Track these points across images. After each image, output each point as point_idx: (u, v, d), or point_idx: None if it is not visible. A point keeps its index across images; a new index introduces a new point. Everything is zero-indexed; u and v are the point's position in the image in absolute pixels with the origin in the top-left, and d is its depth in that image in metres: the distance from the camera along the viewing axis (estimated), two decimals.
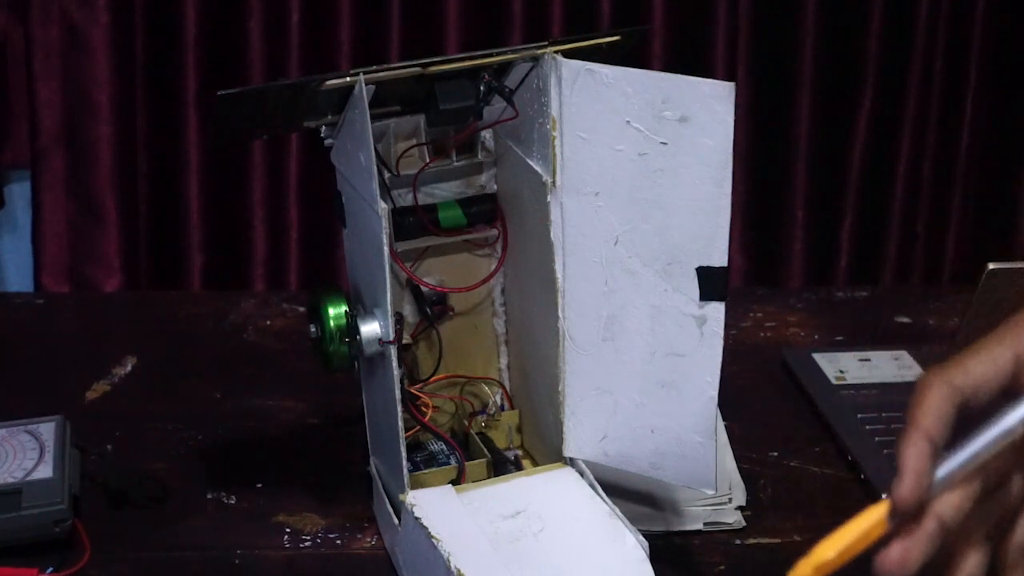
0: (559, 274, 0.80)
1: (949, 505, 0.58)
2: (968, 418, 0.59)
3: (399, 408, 0.78)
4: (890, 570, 0.57)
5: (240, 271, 1.77)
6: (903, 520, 0.57)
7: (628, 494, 0.87)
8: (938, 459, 0.58)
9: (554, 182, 0.78)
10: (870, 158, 1.80)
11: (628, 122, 0.73)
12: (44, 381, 1.08)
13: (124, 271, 1.74)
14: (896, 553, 0.57)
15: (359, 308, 0.81)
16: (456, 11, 1.68)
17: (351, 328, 0.80)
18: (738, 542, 0.88)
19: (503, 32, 1.69)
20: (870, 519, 0.57)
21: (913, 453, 0.57)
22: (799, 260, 1.83)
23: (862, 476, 0.95)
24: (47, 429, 0.92)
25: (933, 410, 0.58)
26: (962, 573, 0.60)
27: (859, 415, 1.02)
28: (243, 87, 0.74)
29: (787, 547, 0.88)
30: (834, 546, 0.57)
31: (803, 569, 0.57)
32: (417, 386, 0.87)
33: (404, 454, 0.79)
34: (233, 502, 0.91)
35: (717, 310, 0.74)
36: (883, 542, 0.58)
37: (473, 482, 0.82)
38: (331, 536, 0.88)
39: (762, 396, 1.07)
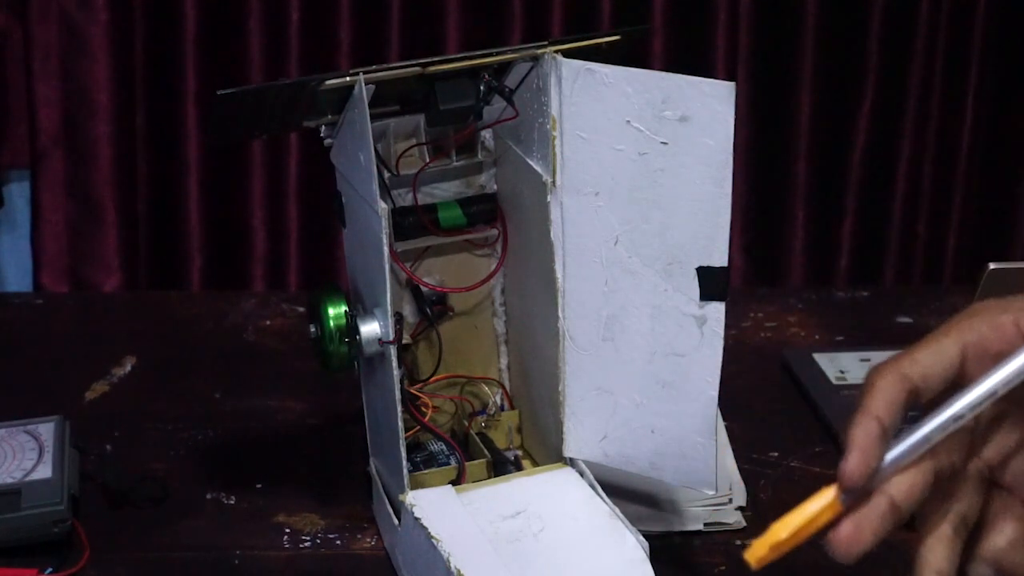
0: (559, 274, 0.79)
1: (900, 486, 0.58)
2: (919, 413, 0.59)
3: (399, 408, 0.78)
4: (840, 546, 0.58)
5: (240, 271, 1.76)
6: (853, 498, 0.58)
7: (628, 494, 0.87)
8: (888, 442, 0.58)
9: (554, 182, 0.78)
10: (870, 158, 1.80)
11: (628, 122, 0.73)
12: (43, 381, 1.08)
13: (123, 271, 1.73)
14: (846, 530, 0.58)
15: (359, 308, 0.81)
16: (456, 11, 1.68)
17: (351, 328, 0.80)
18: (738, 542, 0.88)
19: (503, 32, 1.69)
20: (822, 500, 0.59)
21: (861, 432, 0.58)
22: (799, 260, 1.83)
23: None
24: (46, 429, 0.92)
25: (882, 395, 0.59)
26: (928, 567, 0.60)
27: None
28: (242, 87, 0.74)
29: None
30: (787, 527, 0.59)
31: (758, 549, 0.59)
32: (417, 386, 0.87)
33: (404, 454, 0.78)
34: (233, 502, 0.91)
35: (717, 310, 0.74)
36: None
37: (473, 482, 0.82)
38: (331, 536, 0.88)
39: (762, 396, 1.07)
